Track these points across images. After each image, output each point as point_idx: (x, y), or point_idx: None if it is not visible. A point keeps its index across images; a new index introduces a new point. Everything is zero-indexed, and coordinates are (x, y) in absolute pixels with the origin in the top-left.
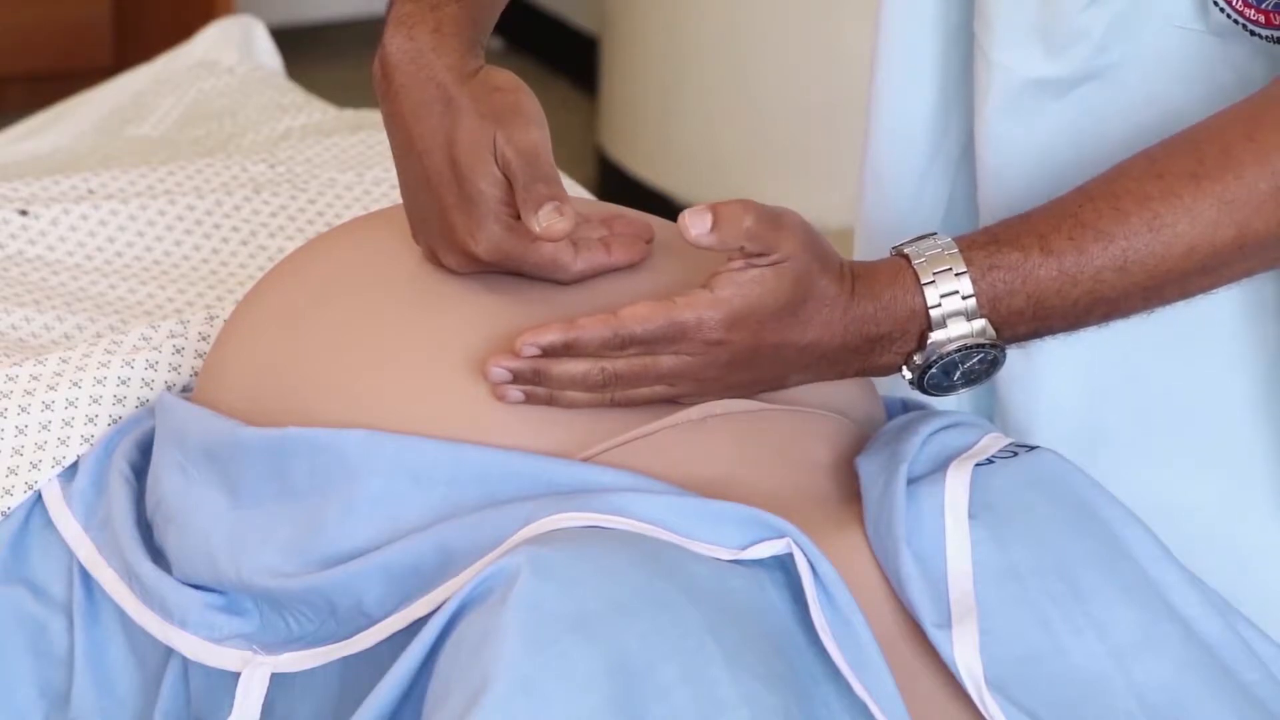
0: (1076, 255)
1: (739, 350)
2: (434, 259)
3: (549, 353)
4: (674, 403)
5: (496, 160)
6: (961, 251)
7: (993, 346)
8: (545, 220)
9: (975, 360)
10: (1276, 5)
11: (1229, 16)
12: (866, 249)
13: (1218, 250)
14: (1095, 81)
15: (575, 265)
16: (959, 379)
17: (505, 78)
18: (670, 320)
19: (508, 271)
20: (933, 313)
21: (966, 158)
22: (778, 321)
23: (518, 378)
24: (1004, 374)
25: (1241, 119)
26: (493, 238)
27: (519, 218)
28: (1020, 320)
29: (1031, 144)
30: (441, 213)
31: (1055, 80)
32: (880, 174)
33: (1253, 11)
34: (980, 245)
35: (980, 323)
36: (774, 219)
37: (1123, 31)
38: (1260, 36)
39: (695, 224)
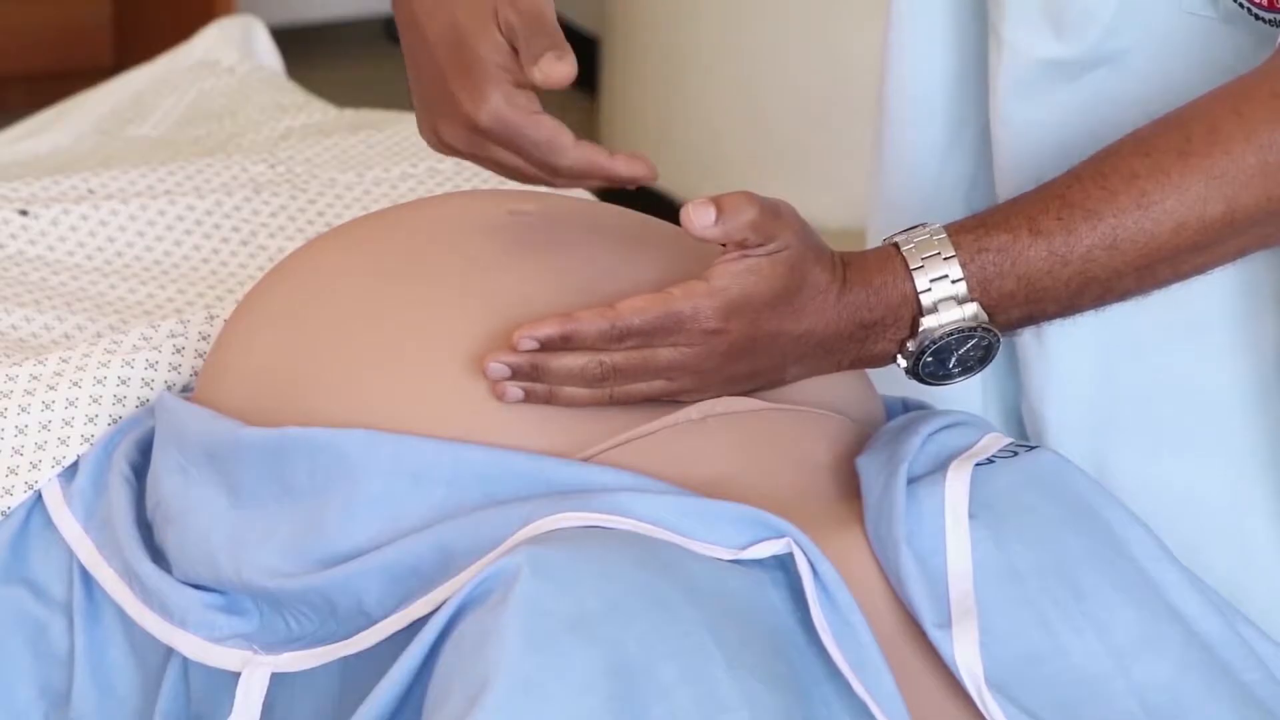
0: (1065, 235)
1: (736, 340)
2: (437, 141)
3: (547, 346)
4: (674, 401)
5: (499, 27)
6: (950, 236)
7: (987, 331)
8: (546, 67)
9: (970, 346)
10: None
11: (1237, 1)
12: (886, 230)
13: (1207, 226)
14: (1107, 66)
15: (572, 150)
16: (955, 366)
17: None
18: (667, 311)
19: (508, 149)
20: (923, 298)
21: (988, 137)
22: (773, 310)
23: (516, 373)
24: (1020, 357)
25: (1229, 96)
26: (494, 105)
27: (522, 87)
28: (1012, 303)
29: (1044, 126)
30: (443, 84)
31: (1066, 62)
32: (901, 152)
33: None
34: (969, 229)
35: (972, 307)
36: (774, 210)
37: (1132, 15)
38: (1264, 20)
39: (699, 216)
